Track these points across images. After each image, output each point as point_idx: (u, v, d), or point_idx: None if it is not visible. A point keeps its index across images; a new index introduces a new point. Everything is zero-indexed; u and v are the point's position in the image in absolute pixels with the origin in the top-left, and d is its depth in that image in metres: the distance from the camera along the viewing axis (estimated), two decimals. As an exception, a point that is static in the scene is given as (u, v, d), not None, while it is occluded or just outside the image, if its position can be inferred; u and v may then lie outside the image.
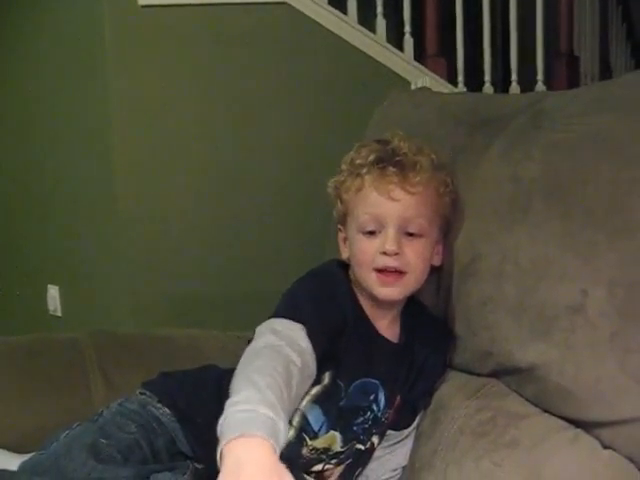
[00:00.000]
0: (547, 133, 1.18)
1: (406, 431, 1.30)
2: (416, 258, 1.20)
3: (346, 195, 1.24)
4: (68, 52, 2.84)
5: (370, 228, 1.20)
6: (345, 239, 1.27)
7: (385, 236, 1.18)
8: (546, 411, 1.13)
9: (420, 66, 2.98)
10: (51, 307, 3.13)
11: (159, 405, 1.23)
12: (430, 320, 1.30)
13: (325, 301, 1.19)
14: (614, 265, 1.03)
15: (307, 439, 1.22)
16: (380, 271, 1.19)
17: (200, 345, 1.58)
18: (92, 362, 1.44)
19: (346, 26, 2.85)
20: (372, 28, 2.95)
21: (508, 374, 1.20)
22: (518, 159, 1.21)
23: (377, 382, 1.25)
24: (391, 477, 1.31)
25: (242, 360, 1.02)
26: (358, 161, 1.23)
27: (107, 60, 2.62)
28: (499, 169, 1.24)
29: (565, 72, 3.01)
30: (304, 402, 1.20)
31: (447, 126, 1.45)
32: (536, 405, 1.15)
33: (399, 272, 1.19)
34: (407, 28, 3.04)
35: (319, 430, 1.22)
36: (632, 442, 1.03)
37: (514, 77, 2.97)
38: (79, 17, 2.76)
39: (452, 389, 1.27)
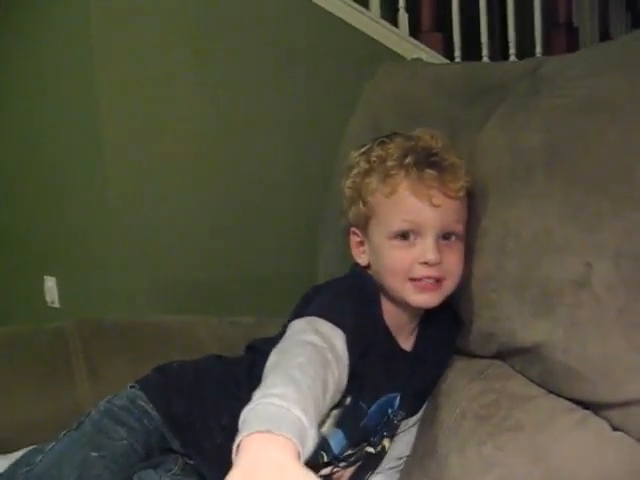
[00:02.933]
0: (546, 99, 1.13)
1: (411, 421, 1.25)
2: (455, 263, 1.12)
3: (372, 197, 1.13)
4: (55, 34, 2.79)
5: (406, 236, 1.10)
6: (361, 243, 1.18)
7: (424, 245, 1.09)
8: (552, 392, 1.08)
9: (416, 42, 2.92)
10: (49, 299, 3.10)
11: (149, 400, 1.18)
12: (440, 314, 1.20)
13: (364, 315, 1.10)
14: (620, 235, 0.98)
15: (324, 457, 1.16)
16: (416, 279, 1.10)
17: (193, 331, 1.54)
18: (77, 352, 1.41)
19: (339, 2, 2.80)
20: (365, 4, 2.89)
21: (512, 355, 1.15)
22: (517, 128, 1.15)
23: (396, 394, 1.19)
24: (396, 466, 1.26)
25: (281, 349, 0.92)
26: (390, 162, 1.12)
27: (94, 40, 2.57)
28: (498, 140, 1.19)
29: (564, 43, 2.95)
30: (325, 426, 1.13)
31: (443, 98, 1.40)
32: (541, 386, 1.10)
33: (438, 279, 1.11)
34: (401, 3, 2.98)
35: (339, 453, 1.17)
36: (643, 423, 0.98)
37: (512, 50, 2.91)
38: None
39: (454, 372, 1.23)
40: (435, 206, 1.09)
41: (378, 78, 1.61)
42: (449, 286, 1.13)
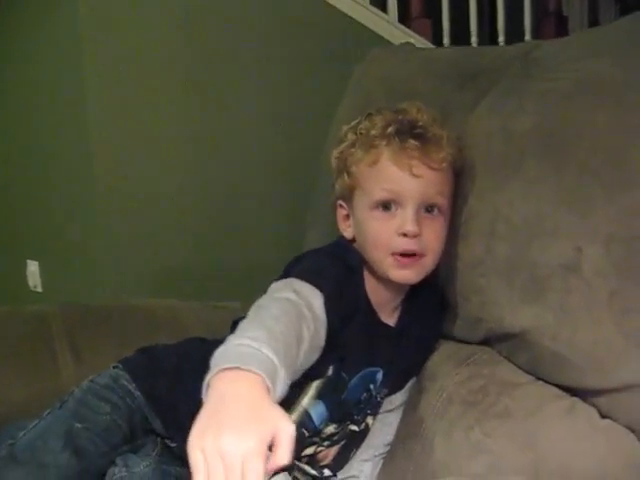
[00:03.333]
0: (539, 82, 1.11)
1: (396, 400, 1.24)
2: (435, 239, 1.11)
3: (356, 168, 1.13)
4: (45, 19, 2.75)
5: (385, 206, 1.10)
6: (347, 216, 1.18)
7: (404, 216, 1.08)
8: (540, 379, 1.07)
9: (404, 28, 2.90)
10: (31, 283, 3.07)
11: (132, 380, 1.18)
12: (425, 291, 1.21)
13: (345, 283, 1.10)
14: (612, 220, 0.97)
15: (305, 434, 1.15)
16: (397, 254, 1.10)
17: (177, 316, 1.52)
18: (60, 335, 1.38)
19: (328, -12, 2.77)
20: (355, -11, 2.86)
21: (500, 341, 1.14)
22: (509, 112, 1.14)
23: (378, 369, 1.18)
24: (384, 453, 1.24)
25: (256, 305, 0.93)
26: (373, 132, 1.12)
27: (80, 19, 2.54)
28: (489, 123, 1.17)
29: (553, 32, 2.93)
30: (306, 398, 1.12)
31: (434, 82, 1.38)
32: (529, 373, 1.09)
33: (417, 255, 1.10)
34: (391, -11, 2.95)
35: (320, 425, 1.16)
36: (632, 410, 0.97)
37: (501, 38, 2.89)
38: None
39: (441, 357, 1.21)
40: (416, 176, 1.09)
41: (368, 62, 1.59)
42: (428, 262, 1.12)
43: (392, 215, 1.10)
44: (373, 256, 1.12)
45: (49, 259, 2.99)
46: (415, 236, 1.09)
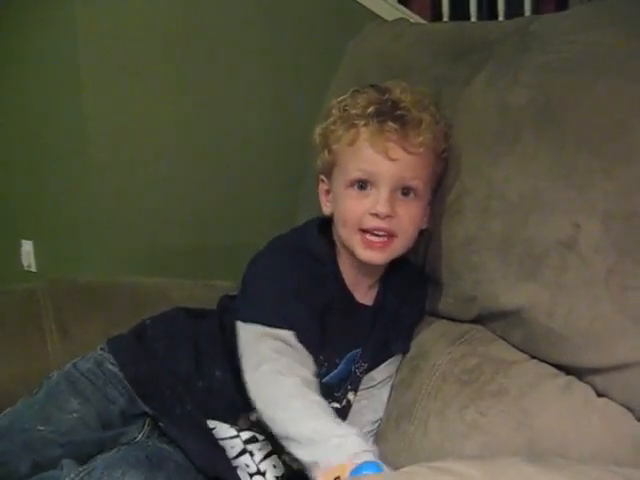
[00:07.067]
0: (537, 56, 1.09)
1: (377, 377, 1.22)
2: (408, 221, 1.11)
3: (336, 145, 1.14)
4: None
5: (361, 186, 1.11)
6: (328, 192, 1.18)
7: (377, 196, 1.09)
8: (535, 357, 1.06)
9: (402, 7, 2.87)
10: (25, 263, 3.06)
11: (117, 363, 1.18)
12: (405, 269, 1.21)
13: (310, 286, 1.11)
14: (611, 195, 0.95)
15: None
16: (366, 232, 1.10)
17: (167, 293, 1.50)
18: (48, 312, 1.37)
19: (323, -36, 2.74)
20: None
21: (494, 319, 1.12)
22: (505, 85, 1.12)
23: (358, 350, 1.18)
24: (371, 430, 1.23)
25: (277, 404, 1.01)
26: (354, 111, 1.12)
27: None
28: (485, 97, 1.16)
29: (554, 7, 2.90)
30: None
31: (429, 57, 1.36)
32: (524, 351, 1.07)
33: (388, 235, 1.10)
34: (389, -33, 2.92)
35: None
36: (629, 389, 0.96)
37: (501, 18, 2.86)
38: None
39: (433, 336, 1.20)
40: (392, 159, 1.09)
41: (362, 37, 1.57)
42: (398, 245, 1.12)
43: (366, 194, 1.11)
44: (343, 233, 1.14)
45: (43, 239, 2.99)
46: (386, 217, 1.09)
